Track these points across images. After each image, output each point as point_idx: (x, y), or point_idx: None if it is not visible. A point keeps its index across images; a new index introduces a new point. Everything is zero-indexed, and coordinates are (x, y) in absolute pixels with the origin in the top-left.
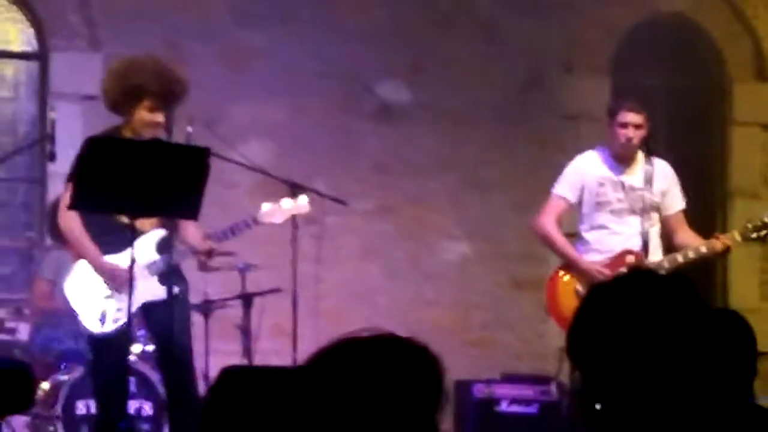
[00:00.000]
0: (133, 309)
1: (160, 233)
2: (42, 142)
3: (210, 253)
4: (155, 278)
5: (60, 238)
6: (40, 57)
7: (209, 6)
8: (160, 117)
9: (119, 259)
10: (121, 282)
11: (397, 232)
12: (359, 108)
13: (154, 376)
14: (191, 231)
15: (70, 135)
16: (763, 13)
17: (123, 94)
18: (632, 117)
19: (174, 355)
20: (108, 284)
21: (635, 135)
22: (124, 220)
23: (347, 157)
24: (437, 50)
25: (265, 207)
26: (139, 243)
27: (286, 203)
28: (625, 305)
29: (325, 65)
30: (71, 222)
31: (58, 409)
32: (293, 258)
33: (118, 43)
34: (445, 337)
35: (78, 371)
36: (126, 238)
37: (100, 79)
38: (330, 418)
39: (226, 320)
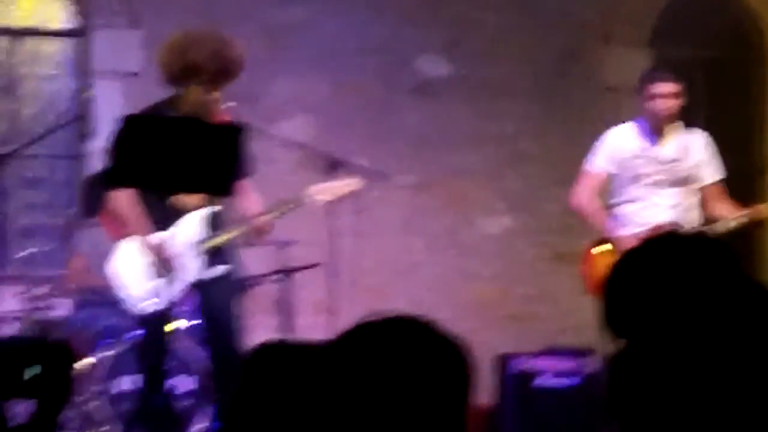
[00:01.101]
0: (182, 287)
1: (208, 211)
2: (80, 120)
3: (264, 230)
4: (200, 258)
5: (93, 214)
6: (81, 34)
7: None
8: (215, 94)
9: (170, 235)
10: (168, 261)
11: (437, 207)
12: (399, 83)
13: (198, 352)
14: (250, 207)
15: (111, 112)
16: None
17: (180, 70)
18: (663, 87)
19: (220, 333)
20: (156, 263)
21: (667, 106)
22: (169, 197)
23: (387, 133)
24: (475, 24)
25: (313, 187)
26: (185, 221)
27: (335, 183)
28: (657, 268)
29: (365, 41)
30: (124, 198)
31: (102, 385)
32: (331, 233)
33: (158, 21)
34: (487, 311)
35: (120, 347)
36: (173, 215)
37: (157, 52)
38: (351, 399)
39: (264, 296)
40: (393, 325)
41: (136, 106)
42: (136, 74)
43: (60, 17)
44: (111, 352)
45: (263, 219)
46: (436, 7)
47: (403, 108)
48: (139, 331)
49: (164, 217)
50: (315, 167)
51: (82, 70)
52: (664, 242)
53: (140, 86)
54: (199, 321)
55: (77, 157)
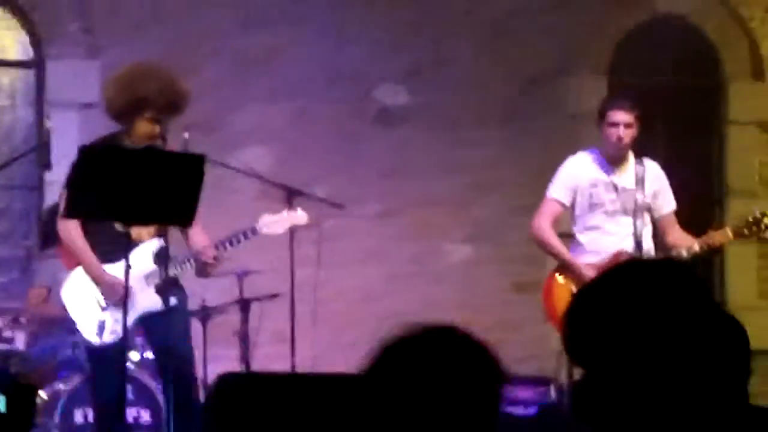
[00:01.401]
0: (132, 320)
1: (158, 243)
2: (38, 150)
3: (215, 262)
4: (152, 289)
5: (52, 245)
6: (37, 65)
7: (210, 13)
8: (158, 128)
9: (116, 269)
10: (117, 294)
11: (400, 236)
12: (361, 112)
13: (152, 384)
14: (197, 238)
15: (67, 143)
16: (759, 13)
17: (126, 104)
18: (622, 116)
19: (174, 365)
20: (105, 295)
21: (625, 134)
22: (121, 229)
23: (350, 162)
24: (439, 54)
25: (265, 218)
26: (136, 253)
27: (286, 215)
28: (621, 293)
29: (327, 71)
30: (71, 230)
31: (56, 418)
32: (291, 262)
33: (117, 51)
34: None
35: (76, 380)
36: (123, 247)
37: (103, 86)
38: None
39: (224, 326)
40: (428, 337)
41: (93, 137)
42: (92, 105)
43: (15, 47)
44: (66, 385)
45: (213, 252)
46: (400, 37)
47: (366, 137)
48: (95, 361)
49: (116, 248)
50: (274, 198)
51: (38, 101)
52: (626, 269)
53: (97, 117)
54: (150, 353)
55: (35, 188)
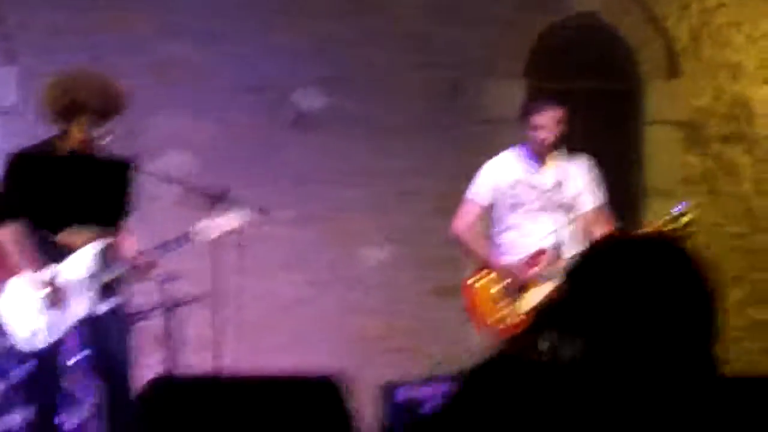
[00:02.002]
0: (69, 324)
1: (96, 247)
2: None
3: (149, 268)
4: (91, 293)
5: None
6: None
7: (130, 20)
8: (99, 131)
9: (59, 271)
10: (54, 297)
11: (319, 241)
12: (279, 119)
13: (80, 389)
14: (127, 245)
15: None
16: (675, 12)
17: (64, 109)
18: (543, 118)
19: (114, 367)
20: (44, 300)
21: (548, 136)
22: (60, 233)
23: (269, 168)
24: (359, 60)
25: (200, 223)
26: (75, 257)
27: (222, 219)
28: (610, 267)
29: (245, 78)
30: (9, 234)
31: None
32: (214, 267)
33: (35, 57)
34: (369, 345)
35: (5, 384)
36: (59, 252)
37: (40, 91)
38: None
39: (148, 331)
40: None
41: (12, 143)
42: (9, 111)
43: None
44: None
45: (149, 257)
46: (320, 44)
47: (285, 144)
48: (26, 367)
49: (53, 252)
50: (196, 203)
51: None
52: (614, 245)
53: (15, 123)
54: (84, 355)
55: None
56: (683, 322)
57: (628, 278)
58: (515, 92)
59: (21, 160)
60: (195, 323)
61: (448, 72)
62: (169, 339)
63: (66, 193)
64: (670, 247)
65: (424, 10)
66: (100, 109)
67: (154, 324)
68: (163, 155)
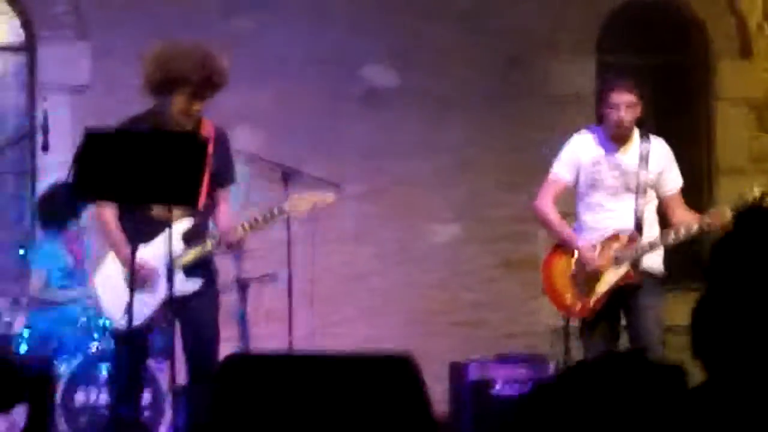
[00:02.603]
0: (158, 302)
1: (186, 224)
2: (31, 134)
3: (236, 244)
4: (178, 270)
5: (52, 227)
6: (27, 49)
7: None
8: (198, 105)
9: (148, 251)
10: (145, 277)
11: (385, 216)
12: (346, 93)
13: (153, 365)
14: (223, 219)
15: (59, 126)
16: None
17: (165, 81)
18: (623, 97)
19: (203, 348)
20: (136, 278)
21: (627, 115)
22: (152, 210)
23: (334, 142)
24: (421, 34)
25: (292, 198)
26: (164, 235)
27: (312, 194)
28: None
29: (312, 52)
30: (105, 214)
31: (58, 399)
32: (288, 242)
33: (107, 34)
34: (436, 319)
35: (76, 361)
36: (154, 229)
37: (141, 62)
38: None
39: (222, 306)
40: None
41: (86, 120)
42: (85, 87)
43: (4, 31)
44: (66, 366)
45: (239, 233)
46: (382, 18)
47: (350, 118)
48: (106, 345)
49: (143, 231)
50: (268, 178)
51: (29, 85)
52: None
53: (89, 99)
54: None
55: (27, 173)
56: None
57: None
58: (580, 68)
59: (96, 138)
60: (267, 297)
61: (510, 46)
62: (243, 314)
63: (133, 168)
64: None
65: None
66: (200, 82)
67: (226, 298)
68: (231, 130)
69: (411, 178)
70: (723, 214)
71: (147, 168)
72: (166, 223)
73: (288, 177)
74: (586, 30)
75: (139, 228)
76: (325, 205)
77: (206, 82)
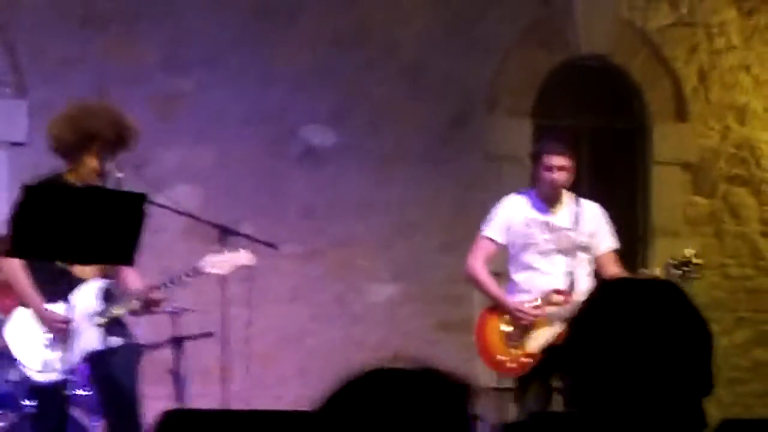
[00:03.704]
0: (76, 357)
1: (102, 282)
2: None
3: (158, 302)
4: (96, 327)
5: None
6: None
7: (137, 52)
8: (107, 164)
9: (60, 308)
10: (62, 331)
11: (324, 275)
12: (285, 152)
13: (86, 421)
14: (132, 278)
15: None
16: (682, 54)
17: (75, 140)
18: (557, 160)
19: (119, 403)
20: (53, 333)
21: (560, 177)
22: (65, 267)
23: (274, 202)
24: (361, 93)
25: (208, 258)
26: (80, 292)
27: (229, 254)
28: (616, 306)
29: (251, 111)
30: (15, 268)
31: None
32: (222, 302)
33: (45, 90)
34: None
35: (9, 417)
36: (67, 286)
37: (50, 124)
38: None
39: (156, 365)
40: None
41: (22, 176)
42: (21, 144)
43: None
44: (4, 421)
45: (158, 291)
46: (324, 76)
47: (289, 177)
48: (34, 402)
49: (59, 286)
50: (203, 236)
51: None
52: (619, 286)
53: (26, 156)
54: (90, 391)
55: None
56: (681, 367)
57: (631, 320)
58: (518, 129)
59: (34, 192)
60: (203, 355)
61: (450, 105)
62: (177, 371)
63: (76, 225)
64: (672, 290)
65: (426, 43)
66: (111, 140)
67: (162, 356)
68: (170, 187)
69: (349, 238)
70: (654, 275)
71: (85, 225)
72: (79, 280)
73: (224, 235)
74: (524, 91)
75: (54, 283)
76: (243, 266)
77: (117, 140)
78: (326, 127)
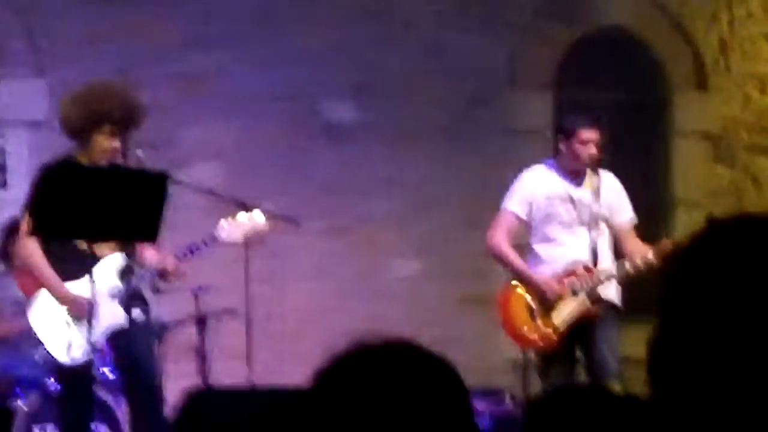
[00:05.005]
0: (98, 336)
1: (120, 258)
2: None
3: (176, 274)
4: (117, 304)
5: (9, 263)
6: None
7: (158, 30)
8: (117, 143)
9: (79, 286)
10: (82, 311)
11: (347, 252)
12: (307, 129)
13: (110, 400)
14: (150, 253)
15: (16, 162)
16: (702, 24)
17: (84, 120)
18: (592, 134)
19: (140, 380)
20: (70, 313)
21: (593, 151)
22: (83, 246)
23: (296, 178)
24: (382, 69)
25: (223, 224)
26: (99, 268)
27: (242, 217)
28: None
29: (273, 87)
30: (32, 250)
31: None
32: (246, 278)
33: (65, 70)
34: None
35: (33, 397)
36: (85, 264)
37: (59, 104)
38: None
39: (180, 342)
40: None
41: (42, 156)
42: (40, 124)
43: None
44: (24, 402)
45: (176, 263)
46: (344, 53)
47: (312, 153)
48: (59, 383)
49: (78, 265)
50: (226, 214)
51: None
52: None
53: (45, 136)
54: (113, 369)
55: None
56: None
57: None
58: (539, 103)
59: (52, 172)
60: (226, 333)
61: (471, 81)
62: (203, 349)
63: (96, 205)
64: None
65: (447, 17)
66: (119, 118)
67: (186, 334)
68: (192, 165)
69: (372, 214)
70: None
71: (107, 204)
72: (95, 257)
73: (246, 212)
74: (545, 65)
75: (69, 263)
76: (258, 233)
77: (127, 119)
78: (348, 104)
